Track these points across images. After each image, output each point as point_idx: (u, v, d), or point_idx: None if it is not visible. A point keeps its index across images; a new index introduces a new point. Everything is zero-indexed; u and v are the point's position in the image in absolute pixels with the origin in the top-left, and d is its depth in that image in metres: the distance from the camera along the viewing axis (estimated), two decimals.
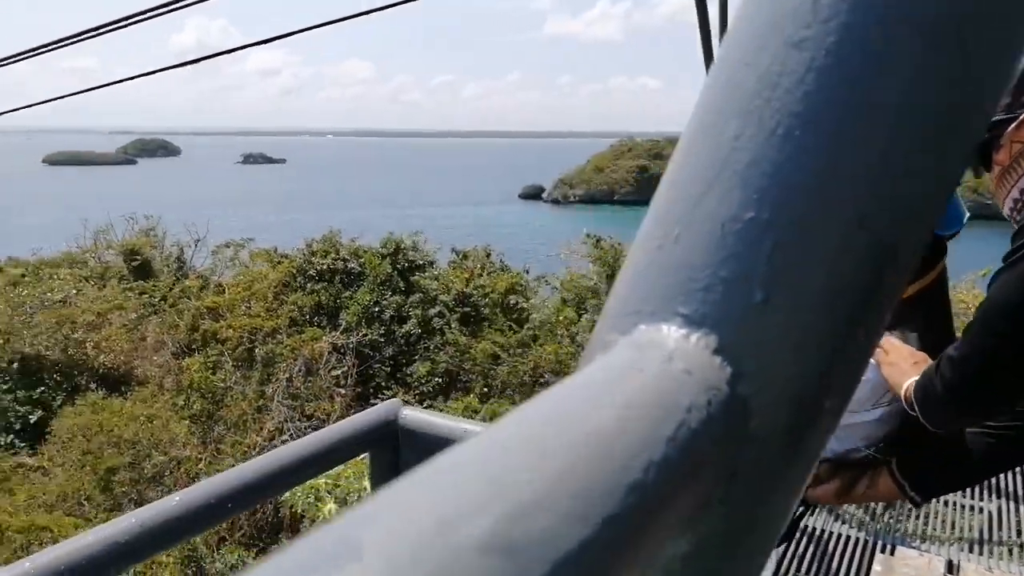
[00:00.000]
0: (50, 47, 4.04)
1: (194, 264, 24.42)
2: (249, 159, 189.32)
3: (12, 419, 16.17)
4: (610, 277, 16.85)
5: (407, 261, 17.94)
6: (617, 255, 16.99)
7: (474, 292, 17.74)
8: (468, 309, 17.43)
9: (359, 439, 1.22)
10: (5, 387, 16.72)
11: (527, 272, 19.20)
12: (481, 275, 18.35)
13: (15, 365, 17.01)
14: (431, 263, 18.78)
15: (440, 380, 16.18)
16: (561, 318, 16.69)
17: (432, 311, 17.05)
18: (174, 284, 21.18)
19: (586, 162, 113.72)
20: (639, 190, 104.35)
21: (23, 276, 20.97)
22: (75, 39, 4.07)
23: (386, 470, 1.30)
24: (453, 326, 16.82)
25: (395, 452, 1.29)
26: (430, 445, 1.28)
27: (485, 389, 15.56)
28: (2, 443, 15.56)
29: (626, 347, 0.28)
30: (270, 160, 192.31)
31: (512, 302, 17.88)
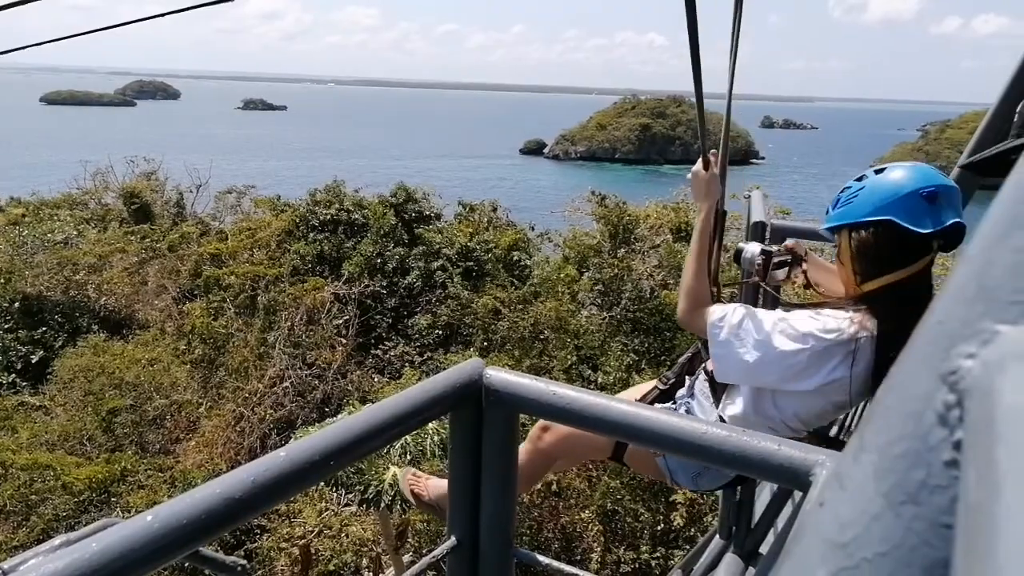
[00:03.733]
0: None
1: (194, 209, 24.28)
2: (249, 105, 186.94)
3: (14, 358, 16.24)
4: (613, 236, 16.80)
5: (415, 212, 17.85)
6: (621, 214, 16.91)
7: (477, 247, 17.70)
8: (471, 263, 17.41)
9: (443, 399, 1.22)
10: (7, 326, 16.75)
11: (532, 228, 19.13)
12: (487, 229, 18.29)
13: (16, 305, 17.01)
14: (438, 216, 18.69)
15: (440, 333, 16.24)
16: (563, 275, 16.68)
17: (435, 264, 17.03)
18: (173, 229, 21.08)
19: (588, 119, 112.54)
20: (640, 149, 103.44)
21: (23, 216, 20.83)
22: None
23: (468, 431, 1.31)
24: (456, 280, 16.82)
25: (478, 413, 1.30)
26: (514, 406, 1.29)
27: (485, 343, 15.63)
28: (4, 382, 15.65)
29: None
30: (271, 107, 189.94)
31: (515, 258, 17.85)
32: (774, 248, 2.64)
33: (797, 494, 2.52)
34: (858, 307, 2.21)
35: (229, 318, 15.80)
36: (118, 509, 11.49)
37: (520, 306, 16.02)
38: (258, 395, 14.42)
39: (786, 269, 2.66)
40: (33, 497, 11.69)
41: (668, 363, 14.67)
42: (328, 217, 17.64)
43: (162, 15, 4.75)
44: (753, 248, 2.65)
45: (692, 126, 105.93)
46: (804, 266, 2.70)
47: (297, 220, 17.88)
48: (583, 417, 1.25)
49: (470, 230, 18.40)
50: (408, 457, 9.95)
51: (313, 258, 17.14)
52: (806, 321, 2.21)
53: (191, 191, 24.42)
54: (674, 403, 2.60)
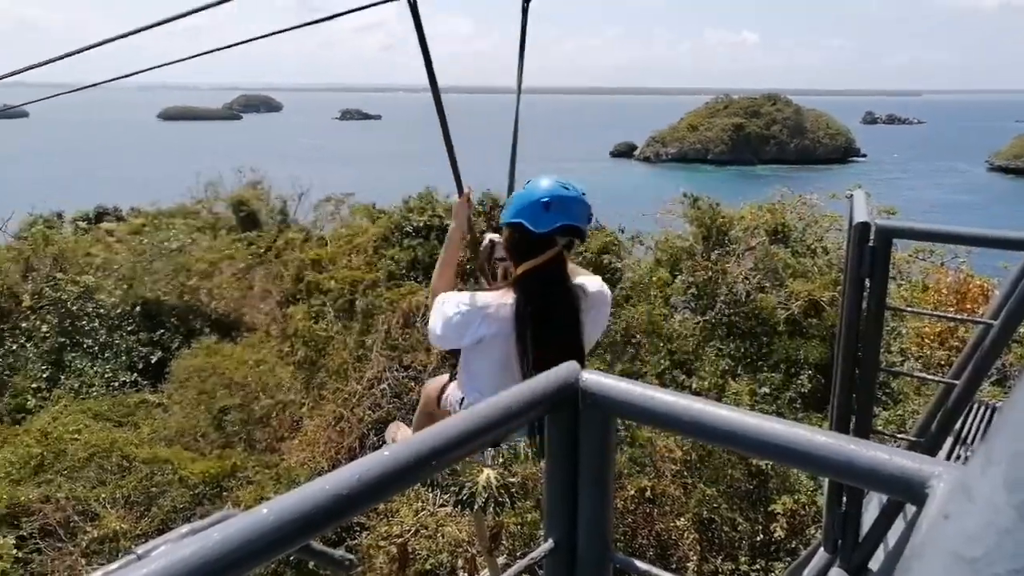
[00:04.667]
0: (177, 16, 4.18)
1: (296, 217, 25.33)
2: (347, 115, 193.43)
3: (136, 359, 17.37)
4: (706, 238, 16.43)
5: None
6: (715, 216, 16.53)
7: None
8: None
9: (538, 403, 1.23)
10: (129, 328, 17.94)
11: (622, 231, 18.95)
12: None
13: (137, 309, 18.19)
14: None
15: None
16: (655, 279, 16.44)
17: None
18: (278, 235, 22.06)
19: (679, 120, 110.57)
20: (734, 149, 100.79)
21: (143, 226, 22.28)
22: (200, 9, 4.19)
23: (564, 434, 1.32)
24: None
25: (574, 416, 1.30)
26: (610, 409, 1.28)
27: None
28: (128, 380, 16.75)
29: None
30: (366, 116, 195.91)
31: (605, 261, 17.72)
32: (498, 239, 3.19)
33: (909, 507, 2.40)
34: (511, 286, 2.91)
35: (329, 321, 16.38)
36: (228, 503, 12.09)
37: (612, 310, 15.89)
38: (357, 396, 14.86)
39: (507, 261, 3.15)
40: (153, 489, 12.45)
41: (765, 368, 14.22)
42: (421, 223, 18.03)
43: (279, 32, 4.99)
44: (489, 238, 3.29)
45: (788, 124, 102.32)
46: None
47: (392, 226, 18.35)
48: (680, 422, 1.23)
49: None
50: (501, 459, 10.03)
51: (408, 263, 17.55)
52: (466, 296, 2.93)
53: (294, 199, 25.50)
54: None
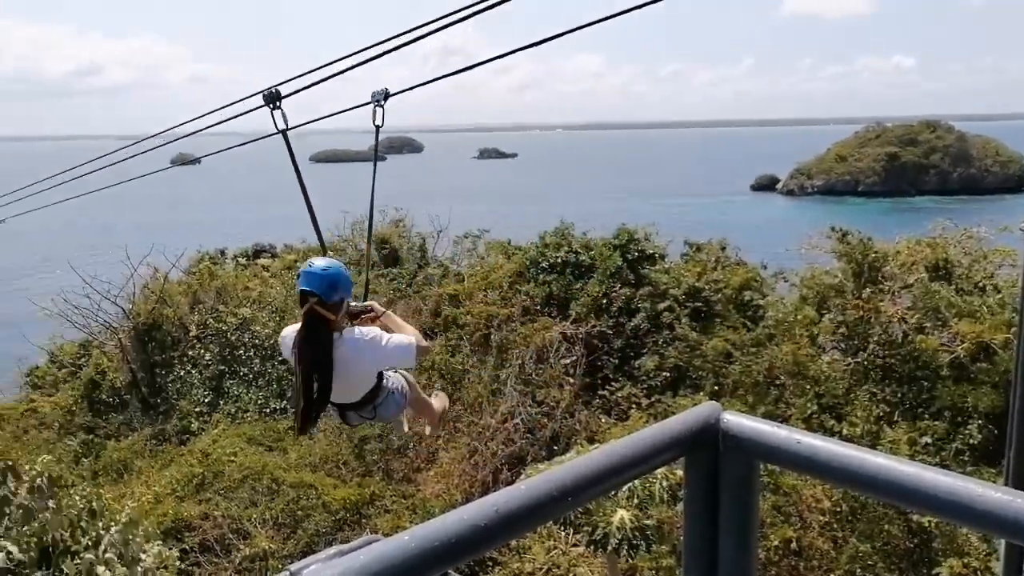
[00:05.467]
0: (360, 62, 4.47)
1: (435, 253, 26.24)
2: (484, 154, 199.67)
3: (285, 387, 18.46)
4: (857, 275, 15.52)
5: (638, 251, 17.83)
6: (866, 250, 15.60)
7: (706, 287, 17.22)
8: (699, 304, 16.97)
9: (677, 443, 1.20)
10: (280, 358, 19.12)
11: (764, 267, 18.26)
12: (715, 269, 17.76)
13: None
14: (662, 256, 18.50)
15: (668, 375, 15.93)
16: (800, 317, 15.68)
17: (662, 305, 16.81)
18: (417, 271, 22.92)
19: (826, 150, 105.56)
20: (887, 180, 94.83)
21: (295, 261, 23.84)
22: (374, 56, 4.46)
23: (704, 478, 1.27)
24: (683, 321, 16.46)
25: (714, 459, 1.25)
26: (753, 453, 1.23)
27: (716, 387, 15.06)
28: (277, 408, 17.82)
29: None
30: (503, 154, 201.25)
31: (746, 298, 17.11)
32: (356, 306, 4.37)
33: None
34: None
35: (465, 355, 16.75)
36: (367, 530, 12.52)
37: (753, 349, 15.28)
38: (491, 430, 15.05)
39: (361, 316, 4.41)
40: (299, 512, 13.11)
41: (926, 415, 13.13)
42: (556, 259, 18.17)
43: (428, 82, 5.25)
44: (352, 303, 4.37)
45: (950, 152, 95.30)
46: (377, 317, 4.49)
47: (527, 262, 18.61)
48: (830, 468, 1.15)
49: (698, 269, 17.97)
50: (636, 500, 9.81)
51: (542, 299, 17.71)
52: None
53: (433, 236, 26.43)
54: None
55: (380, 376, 4.39)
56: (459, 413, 15.86)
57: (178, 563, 11.24)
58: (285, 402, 18.25)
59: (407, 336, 4.29)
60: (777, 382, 14.60)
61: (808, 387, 13.87)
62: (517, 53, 4.92)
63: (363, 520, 13.04)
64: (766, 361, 14.64)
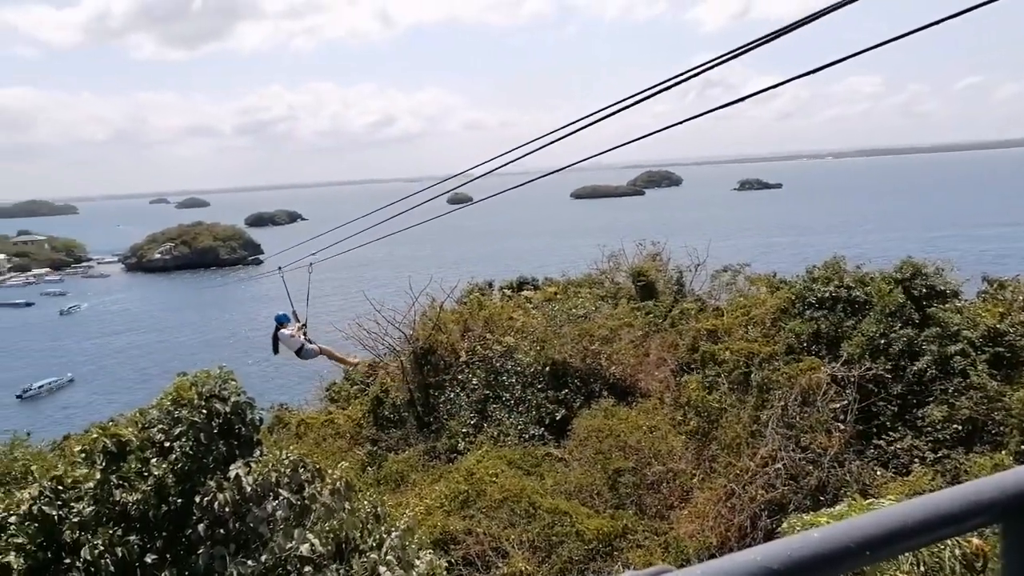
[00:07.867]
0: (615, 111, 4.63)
1: (692, 287, 25.72)
2: (745, 185, 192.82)
3: (543, 414, 19.15)
4: None
5: (925, 287, 15.98)
6: None
7: (1010, 330, 14.95)
8: (1001, 349, 14.75)
9: (991, 506, 1.06)
10: (539, 386, 19.90)
11: None
12: (1023, 310, 15.35)
13: (547, 368, 20.12)
14: (955, 293, 16.39)
15: (960, 428, 13.99)
16: None
17: (952, 348, 14.86)
18: (673, 305, 22.62)
19: None
20: None
21: (556, 294, 24.76)
22: (640, 98, 4.59)
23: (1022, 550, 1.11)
24: (980, 367, 14.41)
25: None
26: None
27: (1023, 446, 12.92)
28: (536, 434, 18.51)
29: None
30: (766, 185, 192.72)
31: None
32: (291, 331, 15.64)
33: None
34: None
35: (723, 393, 16.14)
36: (619, 564, 12.46)
37: None
38: (749, 473, 14.29)
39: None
40: (554, 538, 13.44)
41: None
42: (826, 294, 16.89)
43: (692, 118, 5.27)
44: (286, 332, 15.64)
45: None
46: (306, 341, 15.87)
47: (793, 297, 17.53)
48: None
49: (999, 310, 15.65)
50: (922, 568, 8.69)
51: (809, 337, 16.54)
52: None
53: (690, 270, 25.98)
54: None
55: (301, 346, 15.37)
56: (715, 453, 15.27)
57: (445, 574, 12.07)
58: (543, 428, 18.92)
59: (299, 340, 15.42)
60: None
61: None
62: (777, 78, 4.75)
63: (615, 552, 13.01)
64: None
